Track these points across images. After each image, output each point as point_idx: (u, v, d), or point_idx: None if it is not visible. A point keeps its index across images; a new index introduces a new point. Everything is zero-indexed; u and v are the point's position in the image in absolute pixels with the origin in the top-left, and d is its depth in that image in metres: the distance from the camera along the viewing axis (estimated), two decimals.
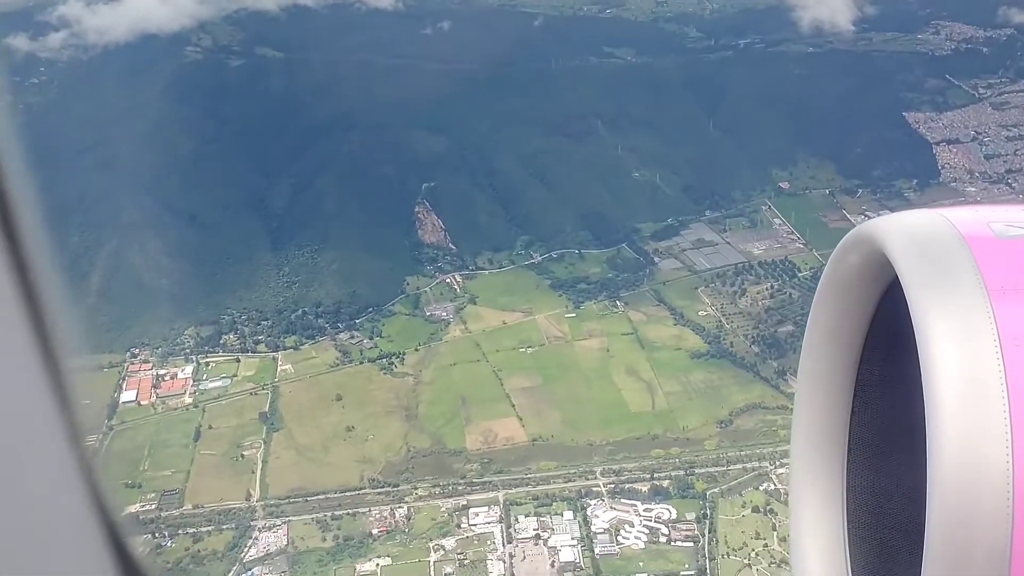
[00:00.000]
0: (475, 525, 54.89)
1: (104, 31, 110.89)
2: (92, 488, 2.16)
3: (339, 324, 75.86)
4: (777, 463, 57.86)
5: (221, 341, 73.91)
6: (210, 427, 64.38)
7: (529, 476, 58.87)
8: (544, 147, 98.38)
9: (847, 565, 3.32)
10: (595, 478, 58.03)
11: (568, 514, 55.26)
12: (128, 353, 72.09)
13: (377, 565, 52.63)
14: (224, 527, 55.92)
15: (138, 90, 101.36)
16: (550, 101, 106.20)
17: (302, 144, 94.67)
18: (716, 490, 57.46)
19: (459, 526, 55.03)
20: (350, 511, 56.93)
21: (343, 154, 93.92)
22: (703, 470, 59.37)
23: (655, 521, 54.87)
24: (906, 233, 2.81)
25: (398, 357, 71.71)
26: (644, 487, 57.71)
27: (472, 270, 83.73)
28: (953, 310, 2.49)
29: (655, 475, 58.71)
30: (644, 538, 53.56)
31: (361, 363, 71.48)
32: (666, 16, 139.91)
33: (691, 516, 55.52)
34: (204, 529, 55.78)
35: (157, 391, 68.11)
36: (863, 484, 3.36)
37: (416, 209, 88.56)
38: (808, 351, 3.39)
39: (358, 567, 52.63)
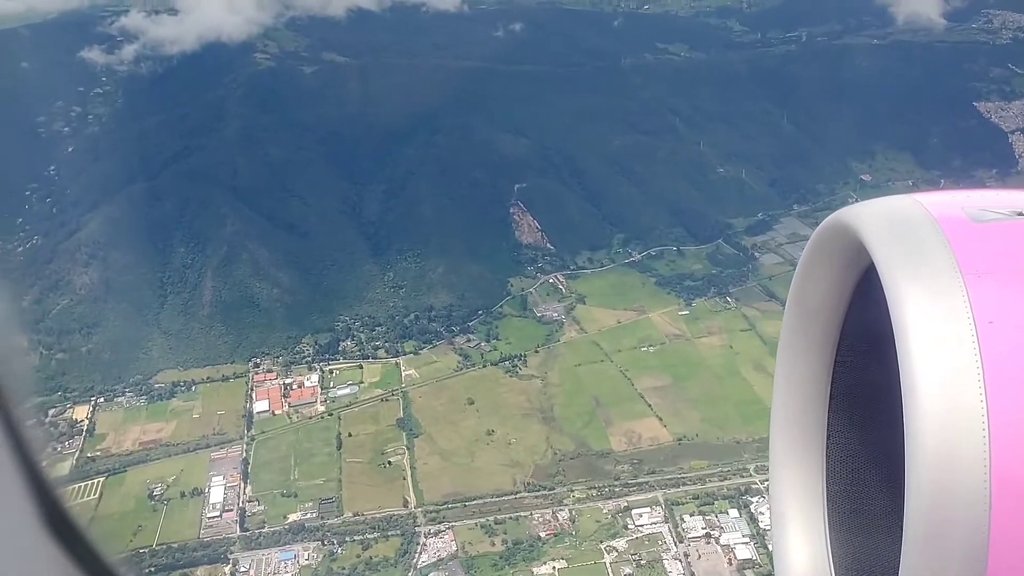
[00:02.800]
0: (642, 526, 55.04)
1: (172, 41, 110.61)
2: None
3: (453, 328, 75.88)
4: None
5: (340, 348, 73.91)
6: (349, 435, 64.36)
7: (684, 476, 59.04)
8: (626, 144, 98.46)
9: (829, 559, 3.38)
10: (750, 475, 58.21)
11: (733, 512, 55.47)
12: (251, 363, 72.10)
13: (554, 568, 52.73)
14: (390, 534, 55.95)
15: (214, 98, 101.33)
16: (622, 98, 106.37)
17: (387, 149, 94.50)
18: None
19: (626, 527, 55.16)
20: (511, 515, 56.99)
21: (430, 158, 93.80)
22: None
23: None
24: (881, 218, 2.86)
25: (520, 359, 71.76)
26: None
27: (573, 269, 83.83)
28: (928, 293, 2.53)
29: None
30: None
31: (484, 366, 71.52)
32: (706, 11, 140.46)
33: None
34: (370, 536, 55.79)
35: (288, 400, 68.06)
36: (843, 470, 3.39)
37: (511, 210, 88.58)
38: (786, 338, 3.43)
39: (534, 570, 52.72)
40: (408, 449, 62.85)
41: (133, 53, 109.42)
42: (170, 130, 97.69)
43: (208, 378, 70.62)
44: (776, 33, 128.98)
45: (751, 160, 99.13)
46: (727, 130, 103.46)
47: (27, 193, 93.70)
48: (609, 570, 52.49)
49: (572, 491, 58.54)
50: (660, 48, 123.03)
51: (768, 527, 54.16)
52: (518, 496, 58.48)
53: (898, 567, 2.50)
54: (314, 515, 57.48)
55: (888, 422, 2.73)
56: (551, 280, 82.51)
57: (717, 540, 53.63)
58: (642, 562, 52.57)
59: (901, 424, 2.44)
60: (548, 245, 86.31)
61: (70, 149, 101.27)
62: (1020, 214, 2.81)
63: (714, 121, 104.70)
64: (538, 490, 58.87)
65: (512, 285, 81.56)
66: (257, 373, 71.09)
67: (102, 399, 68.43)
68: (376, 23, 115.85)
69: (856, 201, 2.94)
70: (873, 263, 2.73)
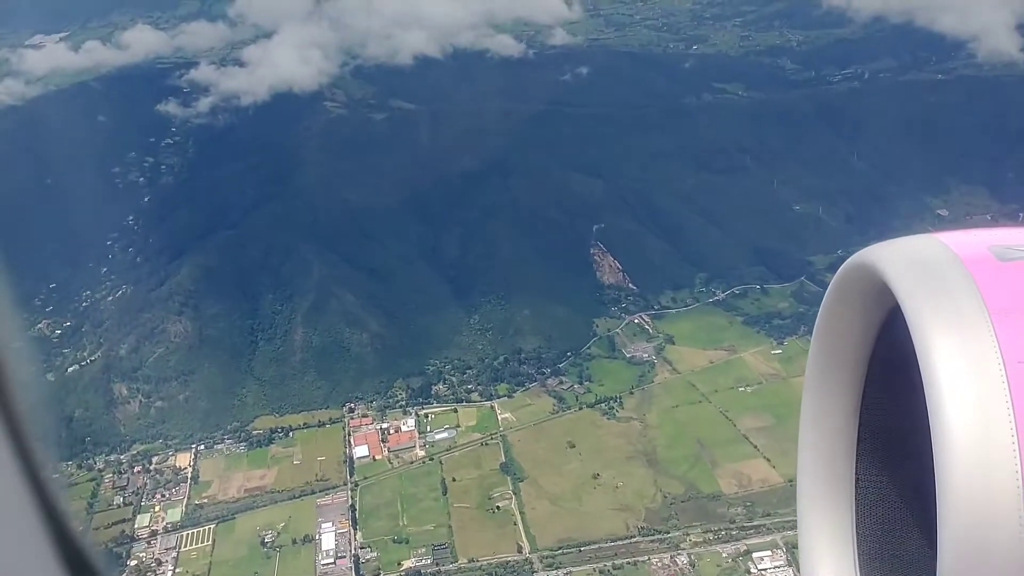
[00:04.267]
0: (765, 570, 54.08)
1: (242, 93, 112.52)
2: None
3: (544, 370, 75.66)
4: None
5: (432, 392, 73.85)
6: (453, 479, 64.03)
7: None
8: (699, 183, 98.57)
9: None
10: None
11: None
12: (345, 408, 72.18)
13: None
14: None
15: (289, 146, 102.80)
16: (690, 138, 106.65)
17: (462, 192, 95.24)
18: None
19: (748, 572, 54.22)
20: (629, 560, 56.24)
21: (505, 200, 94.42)
22: None
23: None
24: (905, 259, 2.78)
25: (615, 401, 71.32)
26: None
27: (658, 309, 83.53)
28: (956, 333, 2.46)
29: None
30: None
31: (580, 409, 71.13)
32: (755, 50, 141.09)
33: None
34: None
35: (387, 445, 67.93)
36: (873, 511, 3.27)
37: (591, 251, 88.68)
38: (811, 378, 3.33)
39: None
40: (515, 494, 62.38)
41: (205, 104, 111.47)
42: (247, 179, 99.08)
43: (304, 424, 70.76)
44: (830, 71, 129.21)
45: (825, 197, 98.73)
46: (798, 168, 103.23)
47: (108, 243, 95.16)
48: None
49: (687, 535, 57.72)
50: (718, 88, 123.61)
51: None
52: (632, 541, 57.75)
53: None
54: (428, 561, 57.00)
55: (918, 462, 2.66)
56: (636, 320, 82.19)
57: None
58: None
59: (931, 464, 2.41)
60: (630, 285, 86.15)
61: (147, 199, 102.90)
62: None
63: (784, 159, 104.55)
64: (652, 534, 58.08)
65: (598, 326, 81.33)
66: (352, 418, 71.15)
67: (202, 446, 68.71)
68: (440, 69, 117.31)
69: None
70: (898, 303, 2.67)
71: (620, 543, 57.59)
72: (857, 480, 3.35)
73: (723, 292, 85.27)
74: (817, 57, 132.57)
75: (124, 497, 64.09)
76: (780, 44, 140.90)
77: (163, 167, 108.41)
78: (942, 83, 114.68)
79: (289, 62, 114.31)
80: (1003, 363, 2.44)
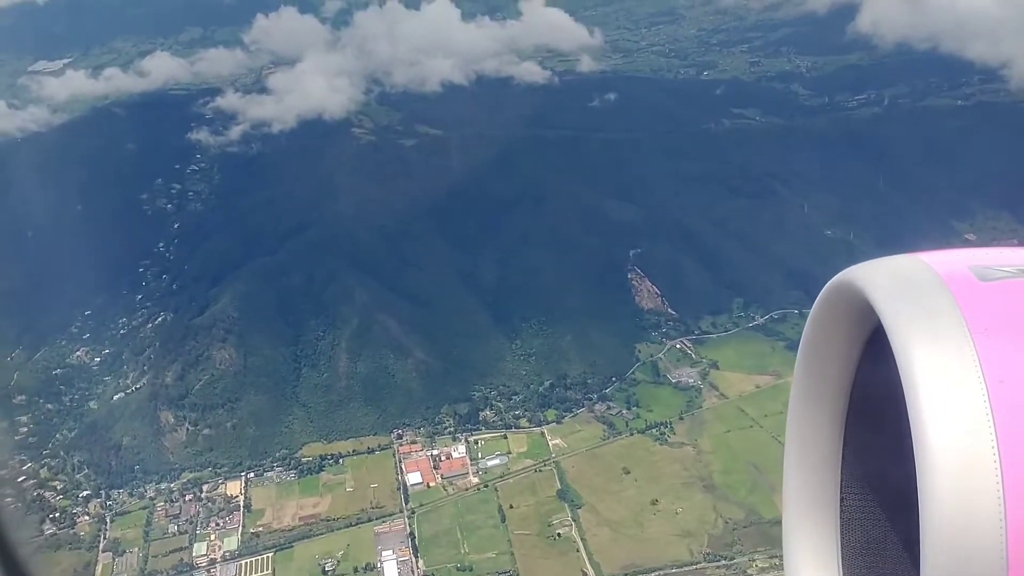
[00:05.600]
0: None
1: (269, 120, 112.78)
2: None
3: (591, 395, 75.58)
4: None
5: (480, 418, 73.59)
6: (511, 507, 63.71)
7: None
8: (731, 208, 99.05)
9: None
10: None
11: None
12: (393, 435, 71.84)
13: None
14: None
15: (320, 173, 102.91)
16: (717, 162, 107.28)
17: (496, 218, 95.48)
18: None
19: None
20: None
21: (540, 225, 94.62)
22: None
23: None
24: (888, 278, 2.85)
25: (666, 427, 71.25)
26: None
27: (698, 334, 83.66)
28: (938, 352, 2.52)
29: None
30: None
31: (631, 434, 71.02)
32: (767, 76, 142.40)
33: None
34: None
35: (440, 472, 67.56)
36: (857, 532, 3.34)
37: (628, 276, 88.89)
38: (796, 398, 3.40)
39: None
40: (574, 521, 62.07)
41: (231, 131, 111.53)
42: (281, 206, 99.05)
43: (353, 451, 70.36)
44: (843, 96, 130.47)
45: (855, 222, 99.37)
46: (826, 192, 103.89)
47: (140, 270, 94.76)
48: None
49: (753, 560, 57.51)
50: (735, 113, 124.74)
51: None
52: (698, 567, 57.49)
53: None
54: None
55: (902, 480, 2.70)
56: (678, 346, 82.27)
57: None
58: None
59: (915, 482, 2.45)
60: (669, 310, 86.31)
61: (176, 225, 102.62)
62: None
63: (811, 184, 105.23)
64: (718, 560, 57.86)
65: (640, 351, 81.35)
66: (401, 444, 70.78)
67: (252, 474, 68.16)
68: (466, 96, 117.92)
69: None
70: (881, 322, 2.74)
71: (686, 569, 57.31)
72: (841, 498, 3.39)
73: (762, 317, 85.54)
74: (828, 83, 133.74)
75: (178, 525, 63.46)
76: (790, 70, 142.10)
77: (191, 193, 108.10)
78: (962, 108, 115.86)
79: (315, 89, 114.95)
80: (984, 381, 2.48)
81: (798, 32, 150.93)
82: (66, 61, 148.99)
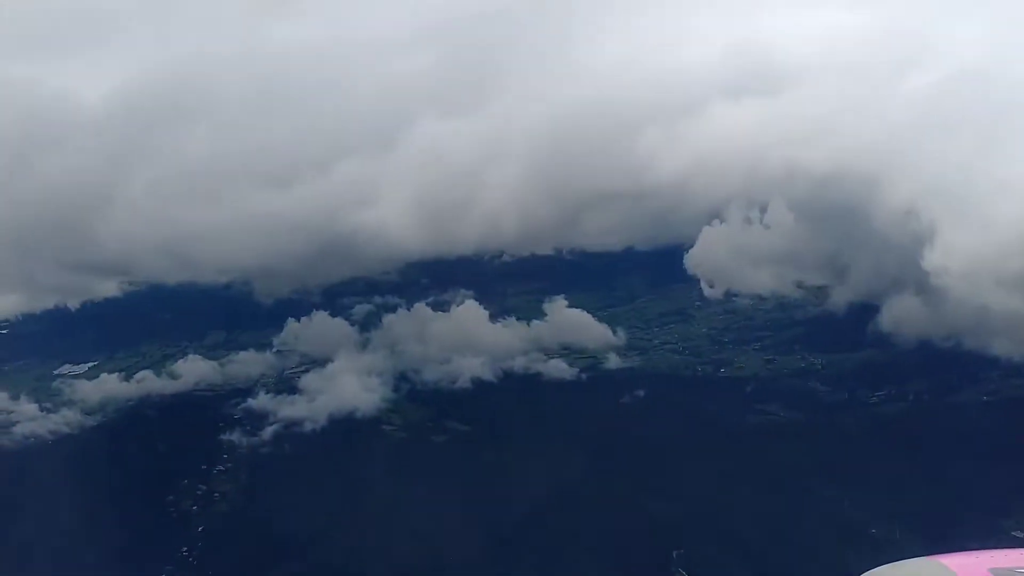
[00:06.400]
0: None
1: (298, 420, 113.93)
2: None
3: None
4: None
5: None
6: None
7: None
8: (771, 505, 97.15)
9: None
10: None
11: None
12: None
13: None
14: None
15: (352, 475, 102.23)
16: (751, 459, 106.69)
17: (532, 517, 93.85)
18: None
19: None
20: None
21: (579, 526, 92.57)
22: None
23: None
24: None
25: None
26: None
27: None
28: None
29: None
30: None
31: None
32: (784, 373, 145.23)
33: None
34: None
35: None
36: None
37: None
38: None
39: None
40: None
41: (261, 431, 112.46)
42: (310, 507, 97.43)
43: None
44: (863, 392, 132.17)
45: (899, 519, 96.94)
46: (864, 489, 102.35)
47: None
48: None
49: None
50: (759, 409, 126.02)
51: None
52: None
53: None
54: None
55: None
56: None
57: None
58: None
59: None
60: None
61: (200, 528, 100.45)
62: None
63: (849, 480, 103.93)
64: None
65: None
66: None
67: None
68: (494, 393, 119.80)
69: None
70: None
71: None
72: None
73: None
74: (846, 379, 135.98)
75: None
76: (805, 367, 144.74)
77: (216, 495, 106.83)
78: (991, 404, 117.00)
79: (346, 389, 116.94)
80: None
81: (808, 331, 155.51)
82: (92, 364, 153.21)
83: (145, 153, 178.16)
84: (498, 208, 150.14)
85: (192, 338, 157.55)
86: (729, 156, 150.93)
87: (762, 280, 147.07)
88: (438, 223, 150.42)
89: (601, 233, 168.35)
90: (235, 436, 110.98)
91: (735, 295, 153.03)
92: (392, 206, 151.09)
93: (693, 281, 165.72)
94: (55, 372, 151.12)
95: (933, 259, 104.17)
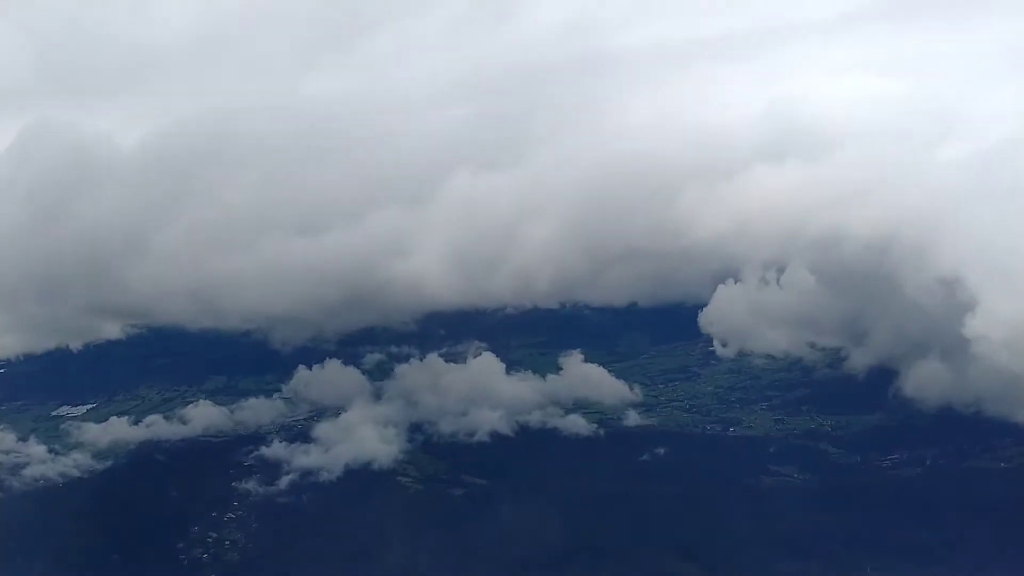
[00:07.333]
0: None
1: (312, 470, 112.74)
2: None
3: None
4: None
5: None
6: None
7: None
8: (795, 570, 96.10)
9: None
10: None
11: None
12: None
13: None
14: None
15: (368, 527, 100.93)
16: (771, 521, 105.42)
17: (552, 573, 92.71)
18: None
19: None
20: None
21: None
22: None
23: None
24: None
25: None
26: None
27: None
28: None
29: None
30: None
31: None
32: (794, 433, 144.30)
33: None
34: None
35: None
36: None
37: None
38: None
39: None
40: None
41: (277, 481, 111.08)
42: (322, 560, 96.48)
43: None
44: (875, 456, 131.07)
45: None
46: (884, 553, 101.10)
47: None
48: None
49: None
50: (773, 471, 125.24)
51: None
52: None
53: None
54: None
55: None
56: None
57: None
58: None
59: None
60: None
61: None
62: None
63: (869, 545, 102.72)
64: None
65: None
66: None
67: None
68: (511, 447, 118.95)
69: None
70: None
71: None
72: None
73: None
74: (857, 442, 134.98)
75: None
76: (815, 428, 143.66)
77: (227, 543, 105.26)
78: (1009, 471, 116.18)
79: (362, 439, 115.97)
80: None
81: (816, 392, 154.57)
82: (90, 406, 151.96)
83: (178, 199, 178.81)
84: (529, 263, 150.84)
85: (191, 383, 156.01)
86: (768, 218, 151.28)
87: (776, 341, 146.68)
88: (468, 276, 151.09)
89: (605, 289, 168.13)
90: (251, 484, 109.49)
91: (748, 355, 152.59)
92: (422, 257, 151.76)
93: (697, 339, 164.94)
94: (52, 413, 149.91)
95: (975, 327, 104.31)
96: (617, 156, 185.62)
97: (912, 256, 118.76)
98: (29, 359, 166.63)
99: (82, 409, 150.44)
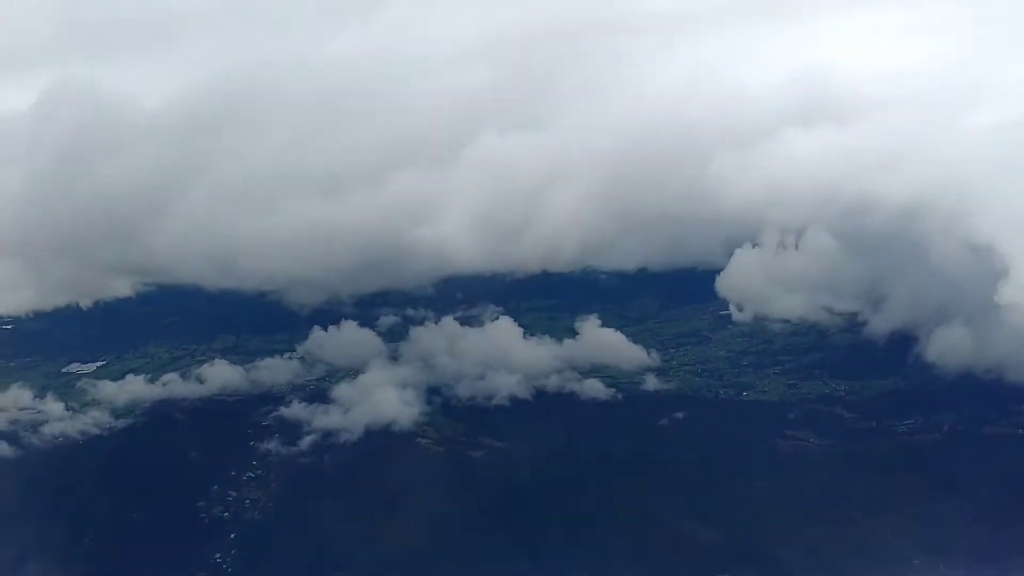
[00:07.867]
0: None
1: (332, 431, 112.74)
2: None
3: None
4: None
5: None
6: None
7: None
8: (814, 533, 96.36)
9: None
10: None
11: None
12: None
13: None
14: None
15: (389, 489, 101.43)
16: (787, 485, 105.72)
17: (569, 534, 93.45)
18: None
19: None
20: None
21: (618, 545, 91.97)
22: None
23: None
24: None
25: None
26: None
27: None
28: None
29: None
30: None
31: None
32: (808, 398, 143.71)
33: None
34: None
35: None
36: None
37: None
38: None
39: None
40: None
41: (299, 441, 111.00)
42: (343, 520, 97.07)
43: None
44: (890, 421, 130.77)
45: (941, 552, 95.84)
46: (904, 519, 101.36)
47: None
48: None
49: None
50: (789, 435, 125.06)
51: None
52: None
53: None
54: None
55: None
56: None
57: None
58: None
59: None
60: None
61: (232, 535, 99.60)
62: None
63: (887, 509, 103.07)
64: None
65: None
66: None
67: None
68: (530, 410, 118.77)
69: None
70: None
71: None
72: None
73: None
74: (872, 407, 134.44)
75: None
76: (829, 393, 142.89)
77: (247, 502, 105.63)
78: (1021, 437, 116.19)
79: (381, 401, 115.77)
80: None
81: (829, 357, 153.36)
82: (100, 364, 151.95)
83: (202, 159, 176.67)
84: (554, 227, 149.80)
85: (200, 340, 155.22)
86: (798, 183, 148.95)
87: (793, 305, 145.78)
88: (491, 240, 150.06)
89: (617, 254, 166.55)
90: (272, 444, 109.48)
91: (763, 319, 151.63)
92: (444, 221, 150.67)
93: (709, 303, 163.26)
94: (63, 370, 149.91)
95: (1007, 294, 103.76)
96: (644, 119, 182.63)
97: (943, 223, 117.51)
98: (38, 316, 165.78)
99: (92, 366, 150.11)
